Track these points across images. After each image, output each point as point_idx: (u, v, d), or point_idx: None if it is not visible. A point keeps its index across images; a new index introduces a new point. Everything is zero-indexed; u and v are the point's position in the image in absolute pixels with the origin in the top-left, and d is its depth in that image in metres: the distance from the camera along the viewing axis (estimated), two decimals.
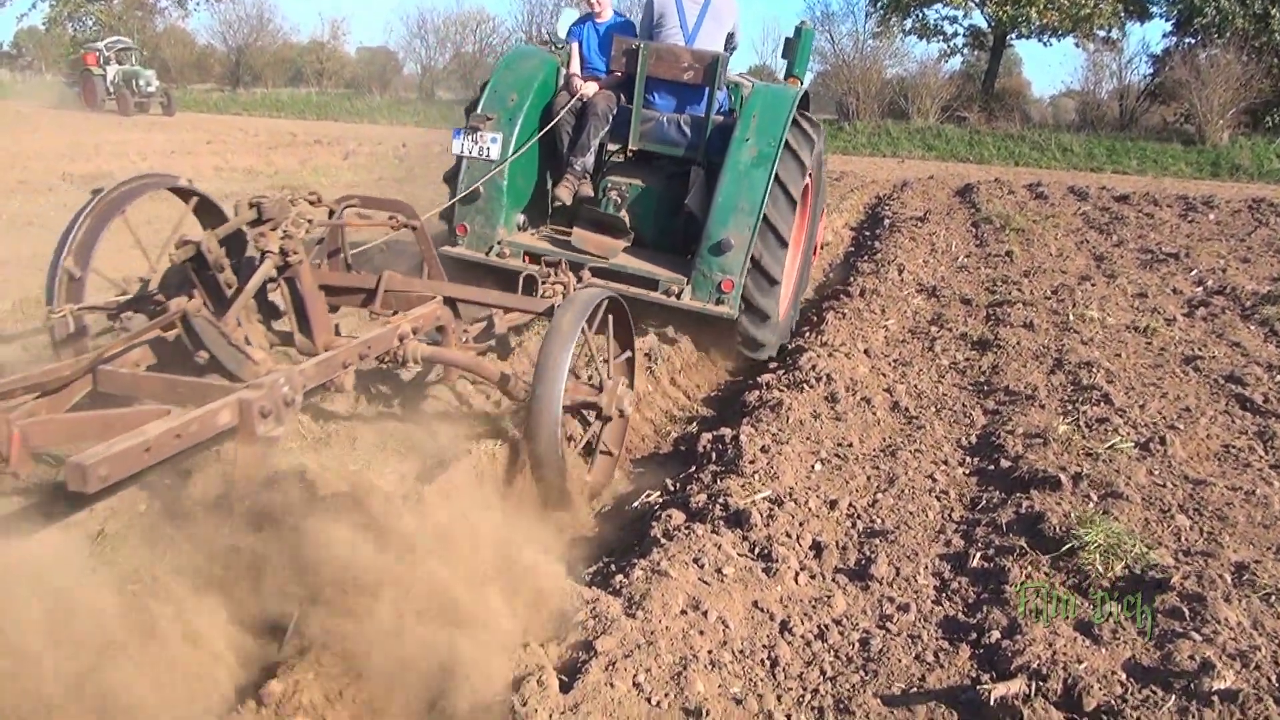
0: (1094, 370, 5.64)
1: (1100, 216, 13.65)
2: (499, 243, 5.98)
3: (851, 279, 8.48)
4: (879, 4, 38.14)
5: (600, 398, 3.83)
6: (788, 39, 6.82)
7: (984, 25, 37.79)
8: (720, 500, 3.64)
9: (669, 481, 4.14)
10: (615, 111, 6.22)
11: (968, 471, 4.25)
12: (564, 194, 6.18)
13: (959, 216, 13.66)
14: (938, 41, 38.90)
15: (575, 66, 6.51)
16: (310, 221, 3.65)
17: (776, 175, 5.64)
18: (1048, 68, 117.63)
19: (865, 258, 9.83)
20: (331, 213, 3.97)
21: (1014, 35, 37.22)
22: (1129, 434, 4.57)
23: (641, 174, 6.42)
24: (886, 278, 8.36)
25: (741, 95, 6.48)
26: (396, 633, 2.32)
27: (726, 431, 4.55)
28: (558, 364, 3.39)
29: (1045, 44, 36.99)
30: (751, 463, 4.03)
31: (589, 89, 6.25)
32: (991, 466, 4.24)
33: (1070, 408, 5.01)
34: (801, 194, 5.94)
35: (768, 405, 4.88)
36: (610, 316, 3.90)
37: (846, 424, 4.71)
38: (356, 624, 2.32)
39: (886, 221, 12.61)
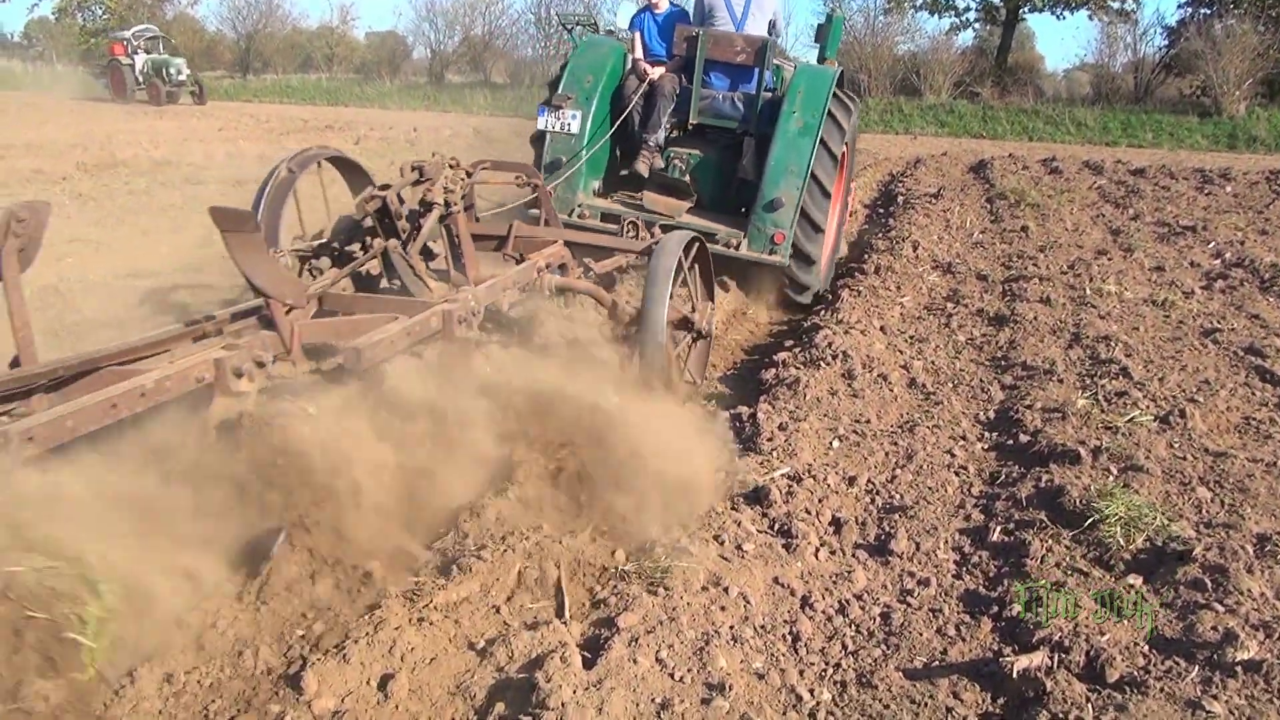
0: (1112, 344, 5.62)
1: (1116, 190, 13.53)
2: (579, 205, 6.79)
3: (867, 256, 8.45)
4: None
5: (694, 315, 4.60)
6: (820, 25, 7.89)
7: None
8: (739, 478, 3.65)
9: None
10: (679, 91, 7.02)
11: (986, 446, 4.24)
12: (642, 167, 7.01)
13: (973, 192, 13.56)
14: (949, 16, 38.45)
15: (639, 52, 7.35)
16: (465, 178, 4.44)
17: (821, 137, 6.49)
18: (1061, 41, 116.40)
19: (880, 234, 9.78)
20: (469, 173, 4.58)
21: (1027, 9, 36.82)
22: (1148, 407, 4.55)
23: (700, 145, 7.30)
24: (901, 254, 8.32)
25: (783, 75, 7.28)
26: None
27: (744, 410, 4.55)
28: (663, 287, 4.09)
29: (1059, 17, 36.51)
30: (770, 440, 4.04)
31: (656, 72, 7.04)
32: (1010, 441, 4.24)
33: (1089, 382, 4.99)
34: (840, 156, 6.76)
35: (784, 383, 4.88)
36: (696, 253, 4.65)
37: (864, 401, 4.71)
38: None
39: (900, 199, 12.54)
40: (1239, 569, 2.92)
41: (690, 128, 7.28)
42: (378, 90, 40.35)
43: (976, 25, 39.60)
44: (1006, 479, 3.83)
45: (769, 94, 6.99)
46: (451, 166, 4.45)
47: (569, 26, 34.01)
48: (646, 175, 7.01)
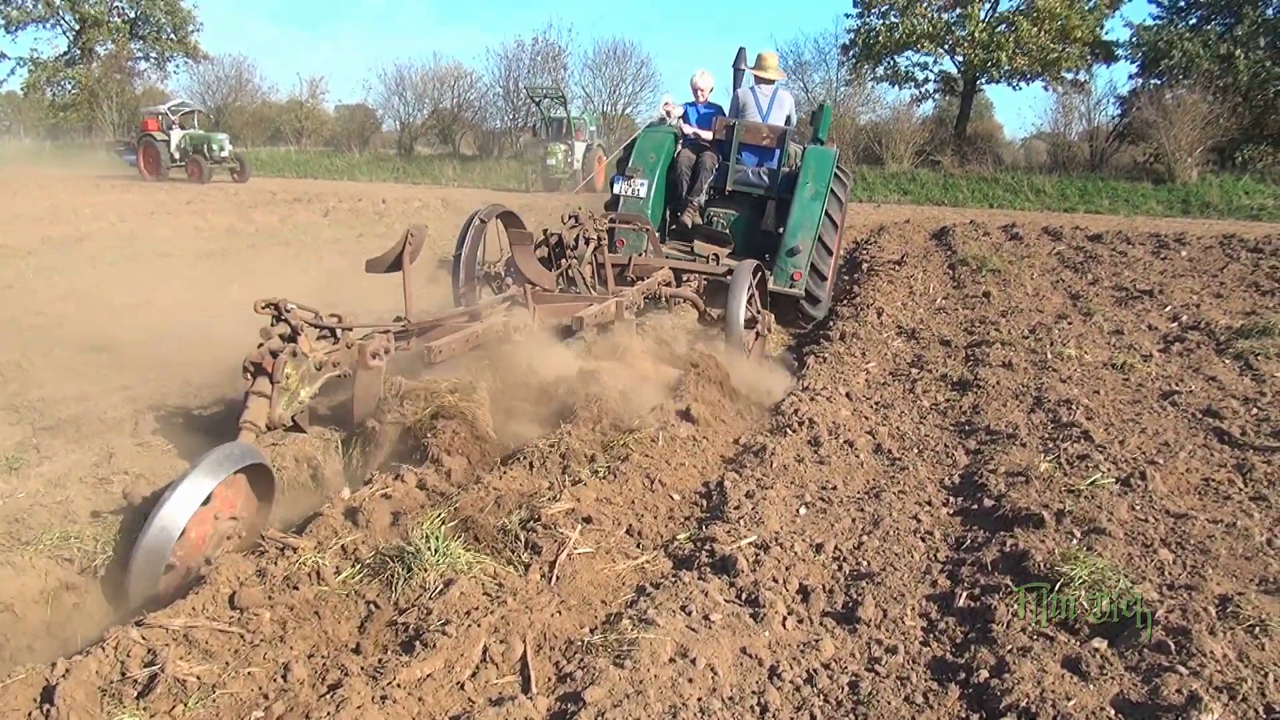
0: (1073, 408, 5.70)
1: (1075, 256, 13.83)
2: (644, 251, 8.25)
3: (831, 323, 8.56)
4: (850, 53, 38.86)
5: (759, 317, 7.17)
6: (813, 113, 10.25)
7: (954, 71, 38.52)
8: (706, 547, 3.65)
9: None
10: (718, 166, 9.26)
11: (952, 511, 4.27)
12: (687, 218, 9.35)
13: (936, 259, 13.81)
14: (909, 88, 39.55)
15: (689, 129, 9.58)
16: (598, 222, 6.89)
17: (825, 210, 8.64)
18: (1018, 112, 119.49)
19: (844, 301, 9.92)
20: (607, 221, 7.03)
21: (984, 80, 37.90)
22: (1110, 470, 4.61)
23: (733, 206, 9.60)
24: (866, 321, 8.44)
25: (789, 152, 9.28)
26: None
27: (711, 478, 4.57)
28: (741, 295, 6.52)
29: (1015, 88, 37.63)
30: (736, 508, 4.05)
31: (707, 133, 9.43)
32: (975, 506, 4.27)
33: (1051, 445, 5.06)
34: (838, 221, 9.04)
35: (751, 450, 4.90)
36: (760, 277, 7.21)
37: (830, 467, 4.74)
38: None
39: (865, 265, 12.75)
40: (1201, 631, 2.94)
41: (726, 193, 9.43)
42: (347, 162, 40.74)
43: (936, 96, 40.72)
44: (972, 544, 3.86)
45: (786, 168, 9.15)
46: (592, 217, 6.84)
47: (537, 99, 34.84)
48: (690, 226, 9.30)
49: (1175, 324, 8.69)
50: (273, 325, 4.01)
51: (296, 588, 3.10)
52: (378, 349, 4.47)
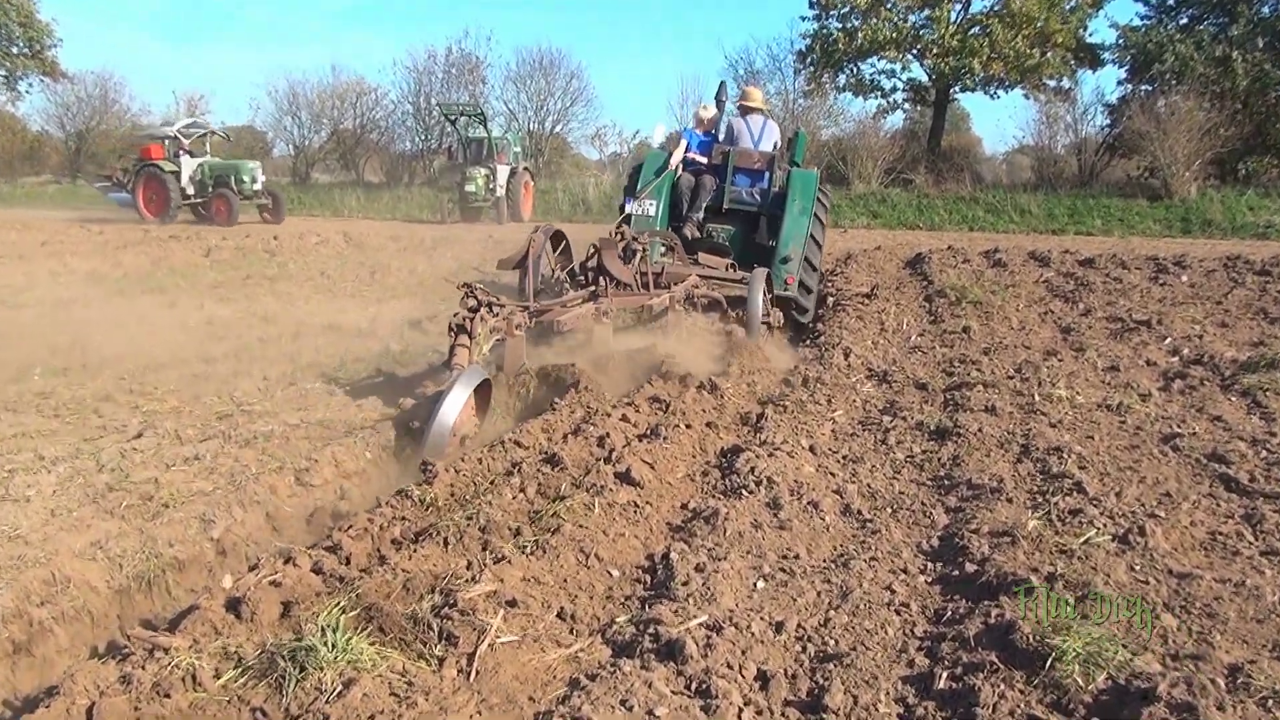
0: (1064, 456, 5.82)
1: (1064, 283, 14.18)
2: (655, 263, 10.22)
3: (793, 367, 8.65)
4: (808, 60, 39.61)
5: (770, 313, 10.13)
6: (789, 139, 12.96)
7: (924, 79, 39.45)
8: (650, 630, 3.65)
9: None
10: (715, 187, 11.94)
11: (930, 579, 4.32)
12: (688, 232, 11.76)
13: (910, 290, 14.07)
14: (875, 98, 40.27)
15: (679, 156, 12.19)
16: (643, 238, 9.78)
17: (809, 231, 11.15)
18: (998, 124, 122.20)
19: (807, 342, 10.05)
20: (635, 237, 9.60)
21: (957, 88, 38.92)
22: (1106, 525, 4.69)
23: (730, 221, 12.25)
24: (832, 363, 8.56)
25: (775, 175, 12.00)
26: None
27: (656, 549, 4.58)
28: (758, 295, 9.53)
29: (992, 96, 38.49)
30: (685, 584, 4.05)
31: (702, 158, 12.24)
32: (956, 572, 4.32)
33: (1040, 499, 5.15)
34: (819, 239, 11.57)
35: (701, 516, 4.92)
36: (770, 283, 10.30)
37: (792, 533, 4.77)
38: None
39: (830, 300, 12.96)
40: (1209, 706, 3.00)
41: (723, 210, 12.02)
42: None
43: (905, 106, 41.52)
44: (953, 616, 3.90)
45: (776, 189, 11.81)
46: (634, 237, 9.51)
47: (452, 117, 34.77)
48: (691, 240, 11.65)
49: (1176, 358, 8.93)
50: (466, 299, 7.14)
51: (168, 696, 3.03)
52: (520, 321, 7.40)
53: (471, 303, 7.11)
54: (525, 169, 33.27)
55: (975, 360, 8.78)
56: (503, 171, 31.58)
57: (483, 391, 6.59)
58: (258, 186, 28.34)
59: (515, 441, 5.99)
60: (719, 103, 12.71)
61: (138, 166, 28.72)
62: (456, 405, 5.94)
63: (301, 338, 10.02)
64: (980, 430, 6.47)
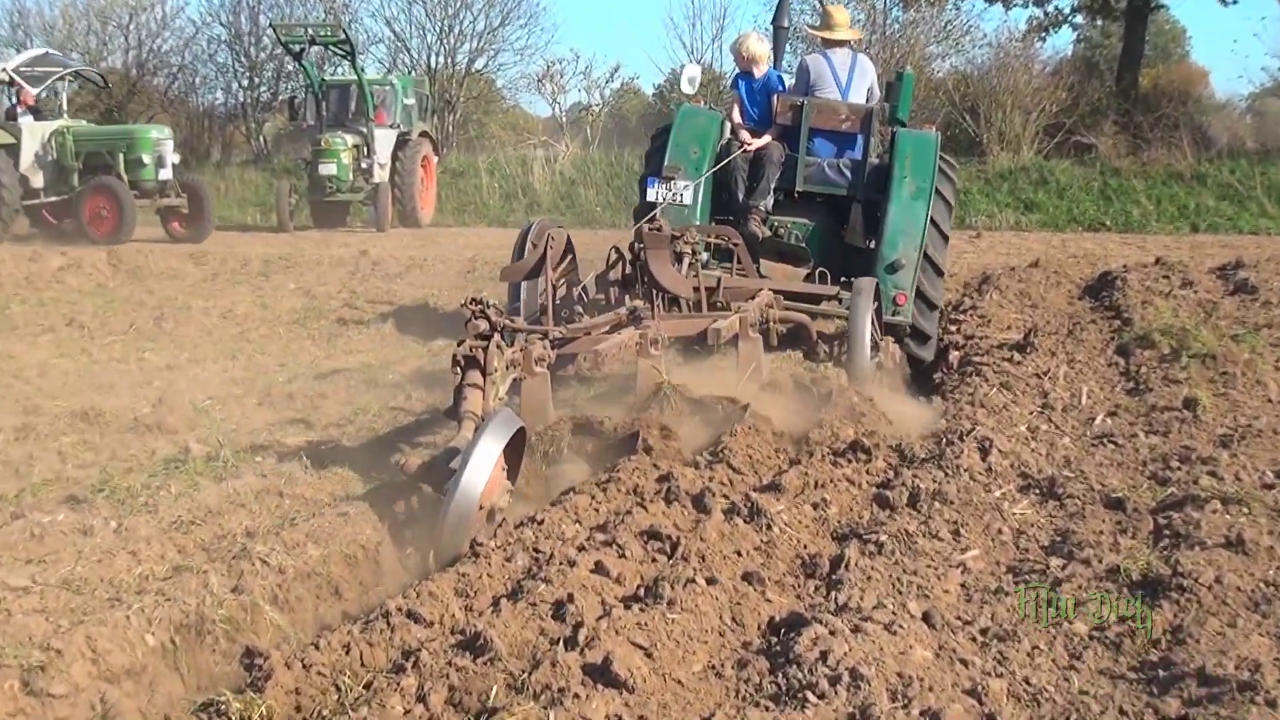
0: None
1: None
2: (733, 270, 8.20)
3: (896, 471, 6.21)
4: None
5: (881, 345, 7.79)
6: (890, 84, 9.49)
7: None
8: None
9: None
10: (784, 159, 8.76)
11: None
12: (754, 229, 8.62)
13: (1090, 336, 10.70)
14: (1026, 4, 27.02)
15: (738, 117, 9.08)
16: (692, 237, 7.52)
17: (930, 217, 8.34)
18: (1236, 45, 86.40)
19: (926, 396, 7.98)
20: (681, 233, 7.44)
21: None
22: None
23: (805, 212, 9.11)
24: (959, 465, 6.14)
25: (869, 140, 8.98)
26: None
27: None
28: (865, 319, 7.22)
29: (1226, 2, 25.73)
30: None
31: (759, 141, 8.80)
32: None
33: None
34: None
35: None
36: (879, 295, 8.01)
37: None
38: None
39: (955, 354, 9.94)
40: None
41: (795, 195, 8.99)
42: None
43: (1078, 19, 28.79)
44: None
45: (874, 160, 8.85)
46: (680, 234, 7.26)
47: (297, 48, 22.49)
48: (758, 240, 8.65)
49: None
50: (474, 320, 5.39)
51: None
52: (540, 354, 5.73)
53: (483, 326, 5.42)
54: (424, 135, 23.27)
55: (1208, 458, 6.36)
56: (384, 140, 21.63)
57: (514, 446, 5.03)
58: (165, 174, 18.42)
59: (408, 612, 4.02)
60: (777, 30, 9.74)
61: None
62: (485, 465, 4.53)
63: (34, 437, 6.89)
64: (1219, 582, 4.52)
